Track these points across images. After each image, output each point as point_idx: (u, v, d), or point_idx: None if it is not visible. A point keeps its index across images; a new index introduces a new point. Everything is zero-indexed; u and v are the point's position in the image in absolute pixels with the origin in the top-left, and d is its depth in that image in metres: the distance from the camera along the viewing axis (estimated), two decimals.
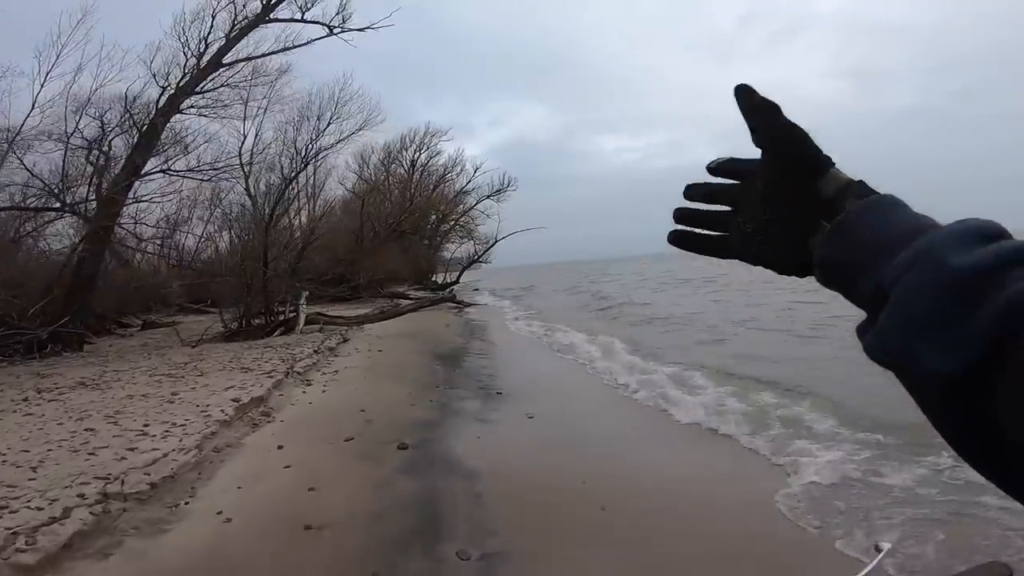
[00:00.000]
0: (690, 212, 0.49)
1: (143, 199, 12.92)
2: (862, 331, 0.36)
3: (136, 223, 15.03)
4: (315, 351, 8.99)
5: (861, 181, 0.42)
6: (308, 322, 11.39)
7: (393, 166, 32.95)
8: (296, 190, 16.69)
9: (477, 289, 36.63)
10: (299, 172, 14.36)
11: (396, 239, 28.88)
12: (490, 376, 8.53)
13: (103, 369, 8.05)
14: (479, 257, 34.05)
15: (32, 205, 10.34)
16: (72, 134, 11.55)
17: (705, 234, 0.48)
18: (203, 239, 21.98)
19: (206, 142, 13.45)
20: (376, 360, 9.14)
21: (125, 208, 14.26)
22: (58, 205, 10.35)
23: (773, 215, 0.44)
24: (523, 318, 18.67)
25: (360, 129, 18.01)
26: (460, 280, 34.61)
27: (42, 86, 10.80)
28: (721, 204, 0.47)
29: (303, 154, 14.55)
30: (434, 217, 35.03)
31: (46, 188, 11.08)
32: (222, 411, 5.17)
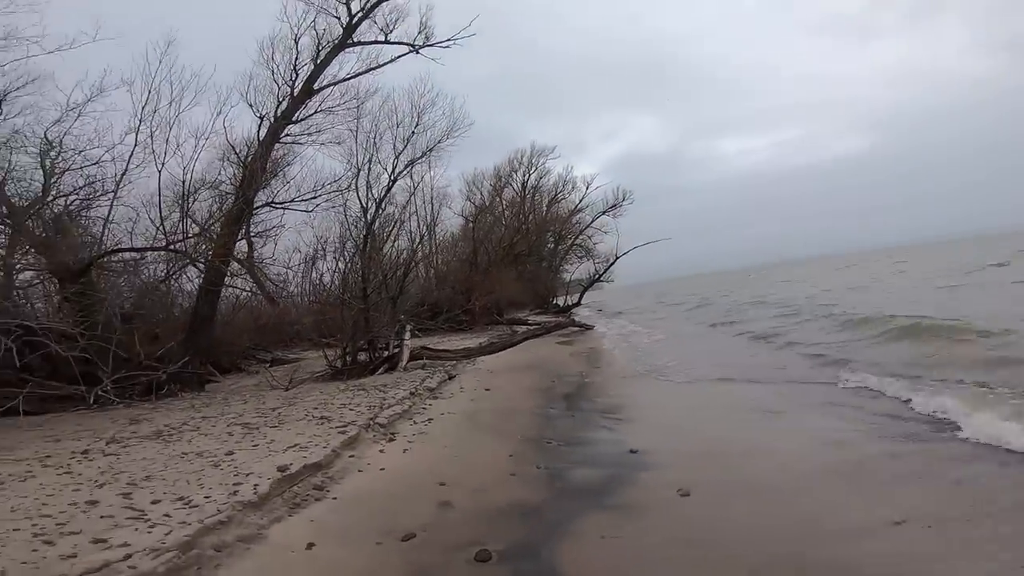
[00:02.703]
0: None
1: (255, 235, 13.04)
2: None
3: (277, 263, 15.36)
4: (411, 393, 7.72)
5: None
6: (412, 357, 10.33)
7: (505, 191, 32.72)
8: (398, 214, 16.15)
9: (601, 310, 34.68)
10: (388, 190, 13.79)
11: (512, 263, 28.06)
12: (620, 422, 6.58)
13: (193, 415, 7.51)
14: (600, 276, 32.00)
15: (139, 245, 10.57)
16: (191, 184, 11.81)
17: None
18: (336, 274, 22.74)
19: (298, 169, 13.28)
20: (480, 404, 7.64)
21: (265, 247, 14.62)
22: (163, 244, 10.46)
23: None
24: (652, 341, 16.30)
25: (447, 136, 17.15)
26: (582, 301, 32.85)
27: (140, 121, 10.72)
28: None
29: (391, 170, 14.00)
30: (551, 238, 34.07)
31: (161, 230, 11.33)
32: (255, 487, 3.90)
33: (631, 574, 3.03)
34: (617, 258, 30.54)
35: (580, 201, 32.59)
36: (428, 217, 26.61)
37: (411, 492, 4.33)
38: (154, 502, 3.64)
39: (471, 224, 27.65)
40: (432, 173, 23.68)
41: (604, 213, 31.71)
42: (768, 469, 4.44)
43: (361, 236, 12.22)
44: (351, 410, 6.63)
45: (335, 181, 12.77)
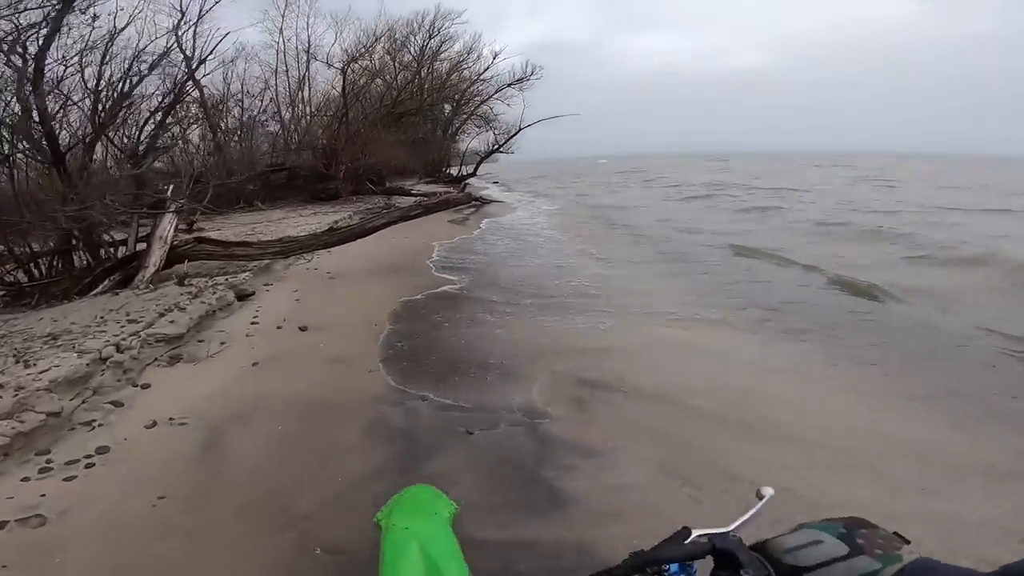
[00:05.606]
0: None
1: None
2: None
3: None
4: (99, 357, 3.53)
5: None
6: (180, 257, 5.85)
7: (401, 53, 26.47)
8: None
9: (498, 181, 31.10)
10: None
11: (395, 122, 22.47)
12: (518, 379, 3.05)
13: None
14: (500, 147, 27.84)
15: None
16: None
17: None
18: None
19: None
20: (267, 376, 3.68)
21: None
22: None
23: None
24: (560, 225, 12.99)
25: None
26: (477, 172, 28.88)
27: None
28: None
29: None
30: (449, 105, 28.80)
31: None
32: None
33: None
34: (520, 129, 26.85)
35: (485, 71, 27.36)
36: (297, 72, 20.80)
37: None
38: None
39: (343, 73, 21.52)
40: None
41: (510, 85, 27.33)
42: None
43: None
44: None
45: None
